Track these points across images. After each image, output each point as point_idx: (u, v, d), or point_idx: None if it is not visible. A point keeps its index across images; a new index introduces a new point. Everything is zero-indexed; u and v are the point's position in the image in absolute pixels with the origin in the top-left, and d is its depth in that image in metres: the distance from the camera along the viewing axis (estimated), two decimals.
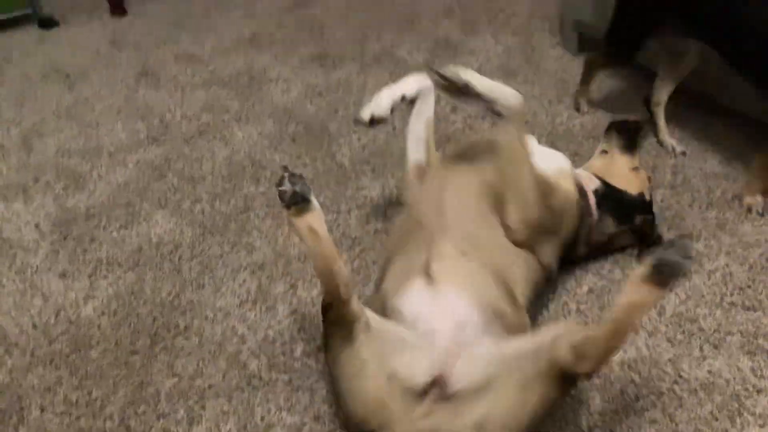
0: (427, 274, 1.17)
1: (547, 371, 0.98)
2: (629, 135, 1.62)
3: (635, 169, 1.59)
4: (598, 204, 1.47)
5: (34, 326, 1.48)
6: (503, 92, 1.36)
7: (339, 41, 2.55)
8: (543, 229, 1.32)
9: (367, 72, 2.34)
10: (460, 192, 1.33)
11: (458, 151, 1.47)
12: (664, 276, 0.95)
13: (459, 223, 1.26)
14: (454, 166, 1.41)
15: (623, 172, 1.56)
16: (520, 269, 1.27)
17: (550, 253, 1.36)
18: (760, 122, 1.84)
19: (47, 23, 2.74)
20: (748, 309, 1.43)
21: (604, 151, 1.62)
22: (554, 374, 0.98)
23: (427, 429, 1.00)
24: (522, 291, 1.25)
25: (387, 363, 1.03)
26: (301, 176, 1.07)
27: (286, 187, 1.05)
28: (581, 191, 1.45)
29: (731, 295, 1.46)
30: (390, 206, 1.75)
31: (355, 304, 1.05)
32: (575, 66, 2.31)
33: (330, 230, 1.64)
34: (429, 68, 1.40)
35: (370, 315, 1.08)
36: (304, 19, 2.72)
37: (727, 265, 1.53)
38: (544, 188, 1.34)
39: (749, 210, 1.67)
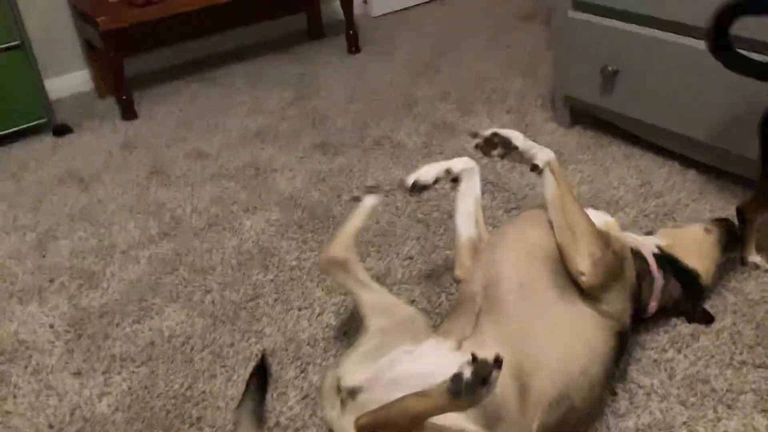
0: (460, 343, 1.24)
1: None
2: (735, 237, 1.65)
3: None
4: (660, 266, 1.48)
5: (50, 426, 1.49)
6: (538, 147, 1.41)
7: (340, 129, 2.65)
8: (612, 272, 1.32)
9: (368, 156, 2.43)
10: (512, 265, 1.34)
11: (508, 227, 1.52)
12: (459, 390, 0.96)
13: (508, 302, 1.28)
14: (505, 239, 1.43)
15: (704, 250, 1.58)
16: (561, 366, 1.22)
17: (619, 301, 1.34)
18: None
19: (61, 131, 2.87)
20: (759, 367, 1.42)
21: (707, 230, 1.62)
22: None
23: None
24: (549, 392, 1.19)
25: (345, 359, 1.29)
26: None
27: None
28: (634, 251, 1.45)
29: (741, 353, 1.46)
30: (393, 284, 1.79)
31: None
32: (569, 138, 2.39)
33: (338, 312, 1.69)
34: (471, 132, 1.47)
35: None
36: (306, 110, 2.84)
37: (734, 324, 1.54)
38: (600, 234, 1.36)
39: (756, 267, 1.68)
